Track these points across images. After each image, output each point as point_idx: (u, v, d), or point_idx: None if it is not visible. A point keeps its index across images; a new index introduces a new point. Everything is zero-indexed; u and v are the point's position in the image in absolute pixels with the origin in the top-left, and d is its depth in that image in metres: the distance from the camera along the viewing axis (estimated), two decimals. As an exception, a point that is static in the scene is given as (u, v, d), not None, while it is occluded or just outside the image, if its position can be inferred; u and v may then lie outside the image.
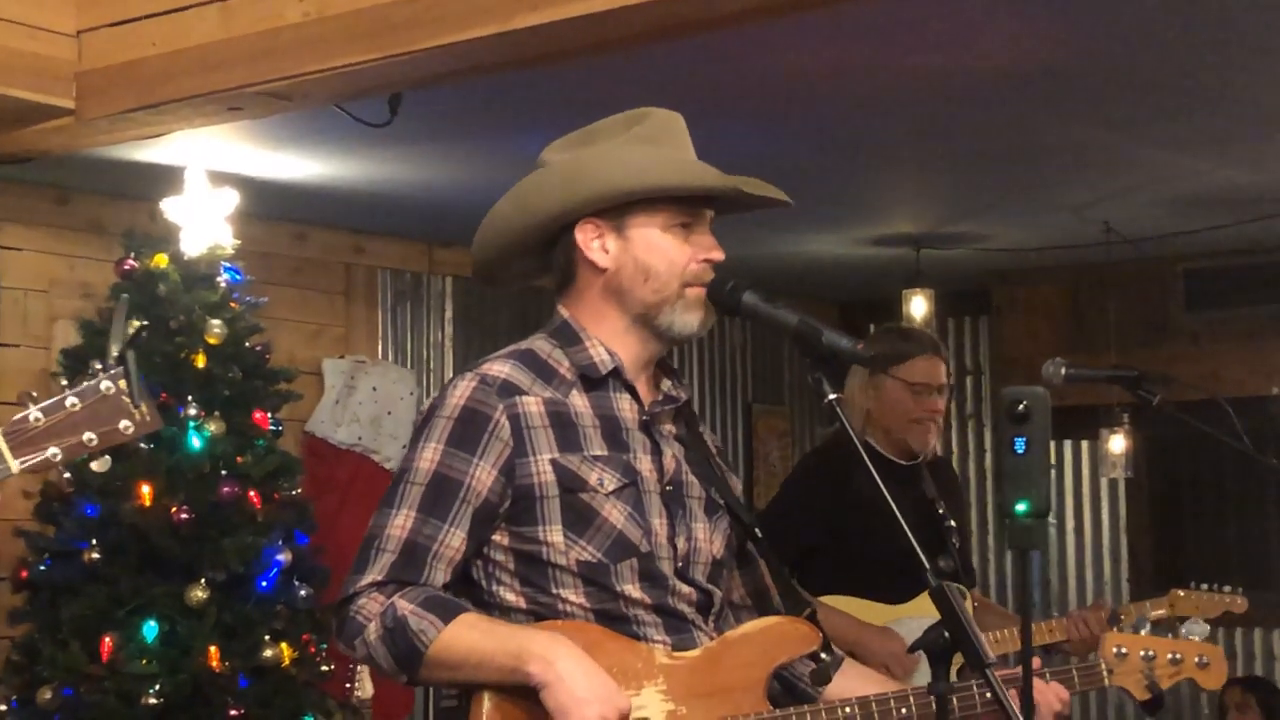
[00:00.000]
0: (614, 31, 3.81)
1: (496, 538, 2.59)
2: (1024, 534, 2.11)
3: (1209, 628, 3.36)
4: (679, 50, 4.38)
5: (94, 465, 2.14)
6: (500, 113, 5.17)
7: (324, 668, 5.54)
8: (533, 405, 2.59)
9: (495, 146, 5.50)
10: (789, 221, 6.74)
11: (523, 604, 2.58)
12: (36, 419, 2.02)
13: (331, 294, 7.05)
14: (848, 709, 2.65)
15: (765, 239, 7.15)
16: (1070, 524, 8.82)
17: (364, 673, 5.90)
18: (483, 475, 2.55)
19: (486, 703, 2.49)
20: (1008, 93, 5.04)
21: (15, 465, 2.02)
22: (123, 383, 2.06)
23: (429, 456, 2.57)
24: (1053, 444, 7.28)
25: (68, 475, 5.19)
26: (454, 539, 2.55)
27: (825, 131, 5.57)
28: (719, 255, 2.67)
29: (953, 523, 4.36)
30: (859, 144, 5.77)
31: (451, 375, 7.24)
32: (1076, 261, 7.80)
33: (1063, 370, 3.73)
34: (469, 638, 2.48)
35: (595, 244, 2.65)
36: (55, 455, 2.03)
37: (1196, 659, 3.24)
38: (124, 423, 2.06)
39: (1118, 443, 7.50)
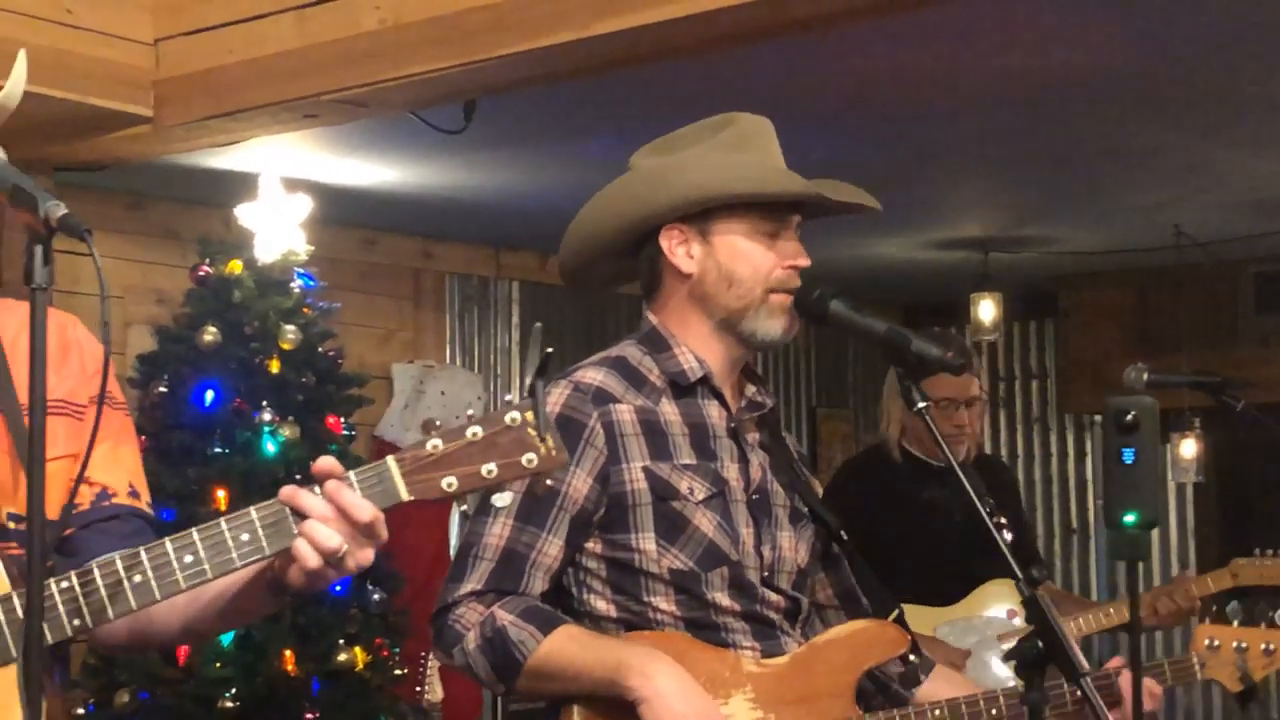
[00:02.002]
0: (687, 37, 3.80)
1: (590, 545, 2.58)
2: (1131, 545, 2.10)
3: None
4: (750, 55, 4.37)
5: (494, 500, 1.97)
6: (574, 118, 5.17)
7: (396, 672, 5.55)
8: (625, 413, 2.58)
9: (567, 151, 5.51)
10: (857, 224, 6.65)
11: (613, 612, 2.58)
12: (434, 446, 1.89)
13: (400, 299, 7.08)
14: (938, 711, 2.65)
15: (832, 242, 7.12)
16: (1139, 528, 8.75)
17: (434, 677, 5.92)
18: (579, 483, 2.54)
19: (577, 715, 2.49)
20: (1077, 96, 5.00)
21: (405, 493, 1.90)
22: (530, 414, 1.90)
23: None
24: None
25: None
26: (552, 547, 2.54)
27: (894, 135, 5.55)
28: (805, 262, 2.65)
29: (1002, 519, 4.31)
30: (928, 147, 5.74)
31: (518, 379, 7.32)
32: (1145, 264, 7.73)
33: (1145, 375, 3.70)
34: (568, 649, 2.47)
35: (680, 250, 2.64)
36: (450, 485, 1.89)
37: None
38: (528, 455, 1.89)
39: (1188, 447, 7.39)
